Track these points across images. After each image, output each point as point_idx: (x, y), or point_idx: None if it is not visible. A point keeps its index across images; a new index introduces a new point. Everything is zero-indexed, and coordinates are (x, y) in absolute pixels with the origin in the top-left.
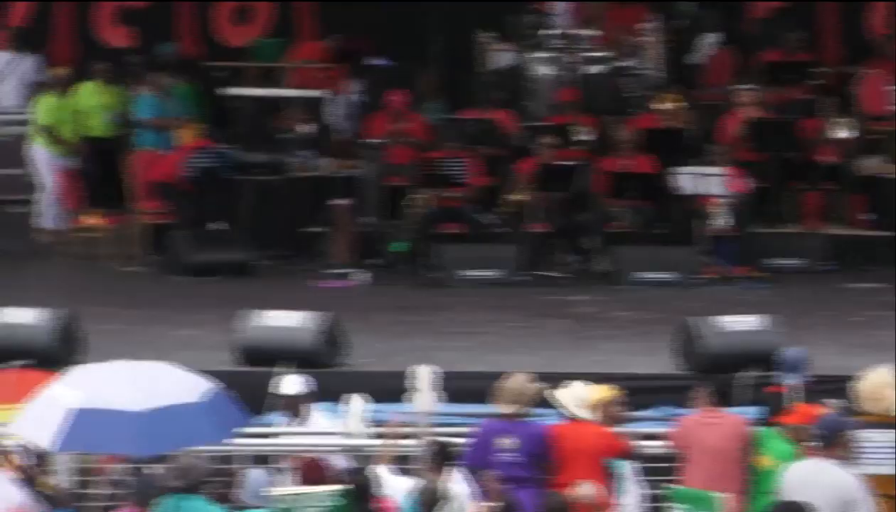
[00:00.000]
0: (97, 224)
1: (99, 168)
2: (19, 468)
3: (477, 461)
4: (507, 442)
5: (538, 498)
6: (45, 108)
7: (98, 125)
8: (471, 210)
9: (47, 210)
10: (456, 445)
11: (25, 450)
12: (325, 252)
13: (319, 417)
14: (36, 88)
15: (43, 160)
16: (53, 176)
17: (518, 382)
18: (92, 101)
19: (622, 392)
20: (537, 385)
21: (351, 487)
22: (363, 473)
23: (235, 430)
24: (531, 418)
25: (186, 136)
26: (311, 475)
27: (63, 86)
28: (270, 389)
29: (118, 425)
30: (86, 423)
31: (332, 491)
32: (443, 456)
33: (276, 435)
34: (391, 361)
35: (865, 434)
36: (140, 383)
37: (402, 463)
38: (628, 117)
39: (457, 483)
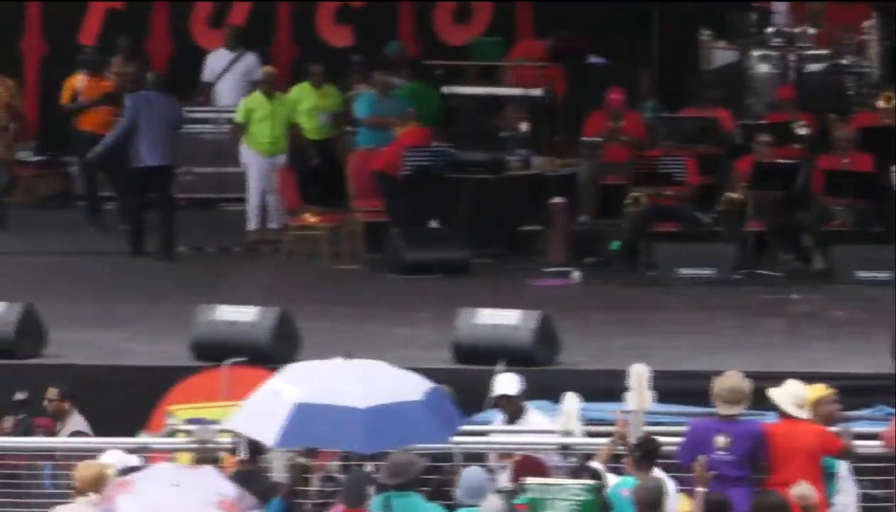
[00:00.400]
0: (314, 222)
1: (316, 166)
2: (236, 463)
3: (690, 460)
4: (720, 441)
5: (751, 497)
6: (250, 106)
7: (314, 124)
8: (688, 208)
9: (260, 209)
10: (662, 443)
11: (242, 445)
12: (541, 250)
13: (535, 416)
14: (253, 87)
15: (253, 159)
16: (268, 174)
17: (732, 380)
18: (308, 100)
19: (836, 391)
20: (751, 384)
21: (597, 483)
22: (596, 470)
23: (455, 429)
24: (745, 417)
25: (405, 134)
26: (528, 473)
27: (272, 85)
28: (490, 388)
29: (341, 421)
30: (308, 418)
31: (584, 485)
32: (649, 454)
33: (492, 433)
34: (605, 359)
35: None
36: (361, 380)
37: (615, 462)
38: (847, 115)
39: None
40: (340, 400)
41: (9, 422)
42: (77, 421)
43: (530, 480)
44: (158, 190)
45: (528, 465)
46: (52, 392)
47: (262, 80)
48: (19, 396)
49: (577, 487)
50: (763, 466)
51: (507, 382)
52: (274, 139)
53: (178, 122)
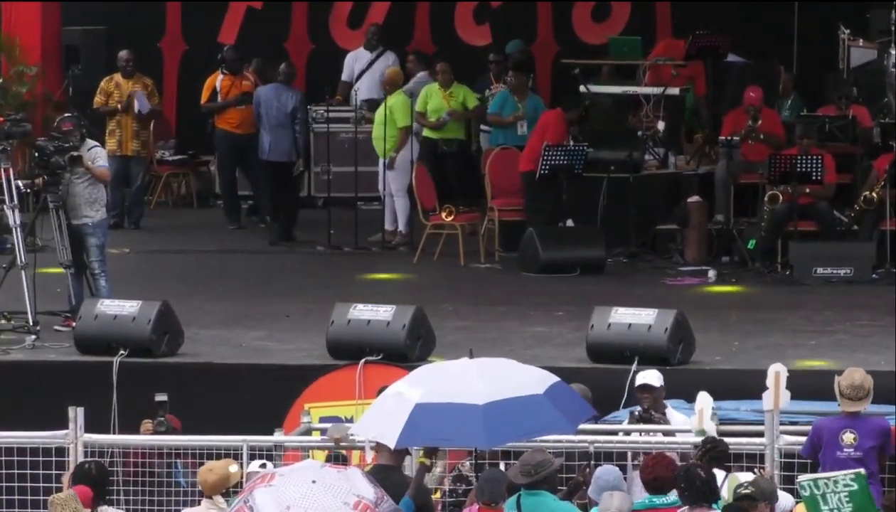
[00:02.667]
0: (449, 221)
1: (451, 166)
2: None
3: (810, 455)
4: (847, 438)
5: (879, 495)
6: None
7: (449, 124)
8: (826, 207)
9: (392, 208)
10: (727, 444)
11: (375, 445)
12: (677, 249)
13: (676, 415)
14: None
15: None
16: (387, 174)
17: (854, 377)
18: (434, 99)
19: None
20: (871, 379)
21: (862, 472)
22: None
23: (583, 420)
24: (871, 415)
25: (541, 124)
26: (660, 471)
27: (386, 86)
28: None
29: (460, 418)
30: (427, 417)
31: (853, 475)
32: (716, 458)
33: (627, 432)
34: (740, 358)
35: None
36: (482, 378)
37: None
38: None
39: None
40: (460, 398)
41: (149, 424)
42: None
43: (803, 477)
44: (281, 181)
45: (660, 463)
46: None
47: (387, 79)
48: (159, 397)
49: (845, 477)
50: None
51: (650, 375)
52: (378, 140)
53: (298, 115)
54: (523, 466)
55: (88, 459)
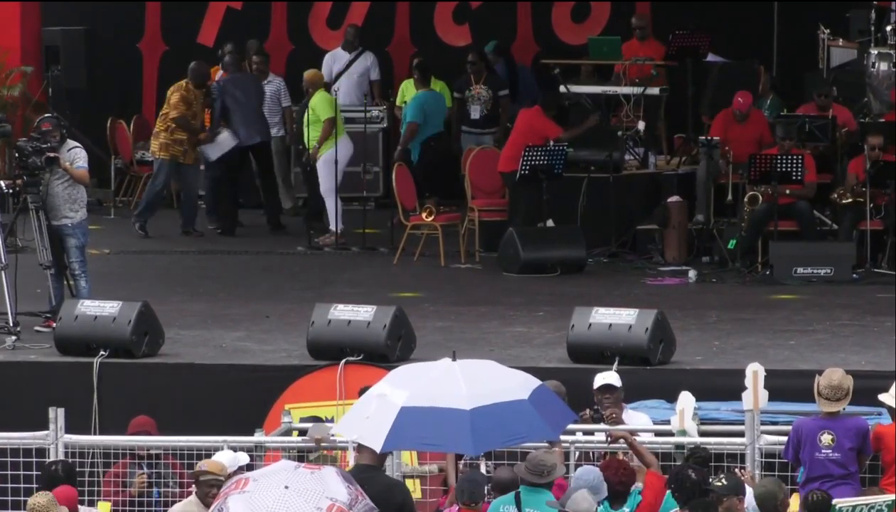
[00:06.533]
0: (429, 222)
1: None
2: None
3: (794, 459)
4: (825, 439)
5: (857, 495)
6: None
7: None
8: (806, 207)
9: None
10: (707, 450)
11: (357, 446)
12: (657, 249)
13: (635, 415)
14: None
15: (343, 157)
16: (326, 173)
17: (833, 378)
18: (409, 96)
19: None
20: (851, 380)
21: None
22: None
23: (565, 426)
24: (849, 415)
25: (519, 122)
26: (614, 475)
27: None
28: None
29: (447, 423)
30: (414, 421)
31: (888, 501)
32: (694, 460)
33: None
34: (721, 358)
35: None
36: (466, 381)
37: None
38: None
39: None
40: (446, 402)
41: (143, 477)
42: None
43: (840, 501)
44: (260, 166)
45: (613, 466)
46: None
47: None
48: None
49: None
50: (868, 462)
51: (612, 376)
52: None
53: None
54: (536, 466)
55: (55, 460)
